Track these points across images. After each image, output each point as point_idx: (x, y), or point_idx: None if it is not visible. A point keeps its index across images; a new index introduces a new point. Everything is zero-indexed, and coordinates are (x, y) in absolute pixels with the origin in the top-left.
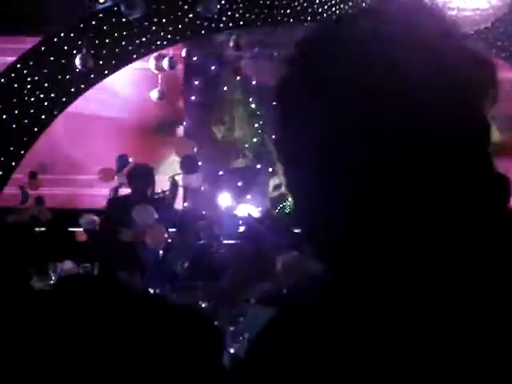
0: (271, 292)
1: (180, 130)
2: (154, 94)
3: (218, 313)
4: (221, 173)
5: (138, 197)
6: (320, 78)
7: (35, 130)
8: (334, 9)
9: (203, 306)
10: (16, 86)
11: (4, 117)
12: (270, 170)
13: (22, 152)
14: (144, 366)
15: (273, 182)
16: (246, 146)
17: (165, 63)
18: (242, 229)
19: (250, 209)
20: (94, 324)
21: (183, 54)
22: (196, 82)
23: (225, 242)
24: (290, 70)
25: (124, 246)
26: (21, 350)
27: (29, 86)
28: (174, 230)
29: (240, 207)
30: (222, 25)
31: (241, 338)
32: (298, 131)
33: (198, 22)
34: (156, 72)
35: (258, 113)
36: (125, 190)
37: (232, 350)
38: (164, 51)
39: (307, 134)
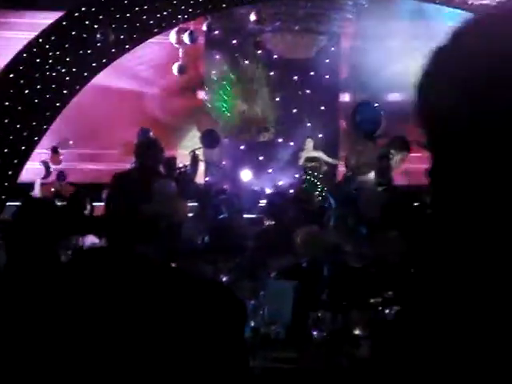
0: (291, 265)
1: (201, 94)
2: (175, 68)
3: (238, 286)
4: (242, 147)
5: (143, 171)
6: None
7: (57, 104)
8: None
9: (224, 279)
10: (38, 60)
11: (26, 92)
12: (291, 143)
13: (45, 127)
14: (166, 337)
15: (305, 154)
16: (268, 120)
17: (186, 37)
18: (262, 203)
19: (270, 183)
20: (114, 295)
21: (204, 27)
22: (217, 56)
23: (246, 216)
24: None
25: (142, 220)
26: (42, 321)
27: (50, 61)
28: (195, 203)
29: (260, 181)
30: None
31: (261, 312)
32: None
33: None
34: (177, 46)
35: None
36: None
37: (253, 323)
38: (185, 25)
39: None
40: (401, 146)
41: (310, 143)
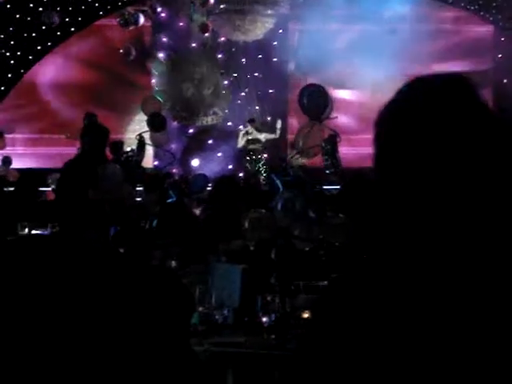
0: (239, 249)
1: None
2: (122, 51)
3: (187, 271)
4: (191, 131)
5: (88, 156)
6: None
7: (1, 88)
8: None
9: (172, 264)
10: None
11: None
12: (241, 127)
13: None
14: (111, 324)
15: (246, 137)
16: (216, 103)
17: (131, 19)
18: (210, 187)
19: (219, 167)
20: (59, 283)
21: (149, 10)
22: (164, 39)
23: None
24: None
25: (89, 205)
26: None
27: None
28: (141, 188)
29: (209, 165)
30: None
31: (209, 296)
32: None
33: None
34: (123, 28)
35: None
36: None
37: (201, 308)
38: (130, 8)
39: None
40: None
41: (248, 126)
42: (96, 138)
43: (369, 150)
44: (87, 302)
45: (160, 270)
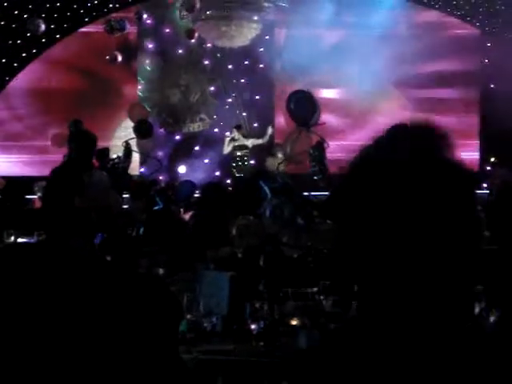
0: (227, 256)
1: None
2: (108, 57)
3: (174, 278)
4: (177, 137)
5: (75, 164)
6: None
7: None
8: None
9: (160, 271)
10: None
11: None
12: (227, 133)
13: None
14: (98, 332)
15: (232, 143)
16: (203, 110)
17: (117, 26)
18: (198, 194)
19: (206, 173)
20: (45, 290)
21: (135, 16)
22: (150, 46)
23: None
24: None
25: (76, 213)
26: None
27: None
28: (127, 195)
29: (196, 172)
30: None
31: (197, 304)
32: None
33: None
34: (109, 35)
35: (213, 76)
36: None
37: (189, 316)
38: (116, 14)
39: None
40: None
41: (235, 132)
42: (83, 144)
43: (355, 144)
44: (74, 310)
45: (147, 277)
